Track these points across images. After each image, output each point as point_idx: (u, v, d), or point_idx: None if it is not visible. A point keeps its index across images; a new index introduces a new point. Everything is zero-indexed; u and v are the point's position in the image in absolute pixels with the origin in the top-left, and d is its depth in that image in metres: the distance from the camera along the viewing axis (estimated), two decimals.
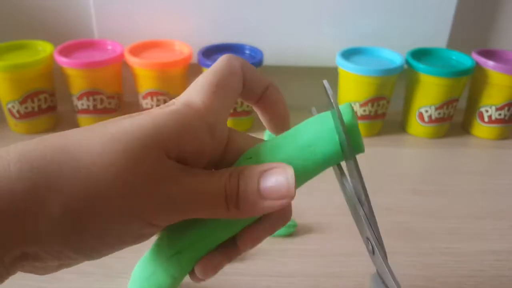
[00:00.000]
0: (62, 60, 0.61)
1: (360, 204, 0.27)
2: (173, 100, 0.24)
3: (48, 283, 0.40)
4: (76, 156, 0.20)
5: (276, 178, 0.22)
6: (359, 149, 0.26)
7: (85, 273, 0.42)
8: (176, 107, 0.23)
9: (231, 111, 0.28)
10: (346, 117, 0.25)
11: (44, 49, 0.64)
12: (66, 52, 0.64)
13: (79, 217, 0.20)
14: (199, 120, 0.23)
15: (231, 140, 0.26)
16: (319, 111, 0.28)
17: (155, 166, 0.21)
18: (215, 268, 0.27)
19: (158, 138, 0.21)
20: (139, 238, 0.23)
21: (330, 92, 0.26)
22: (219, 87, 0.24)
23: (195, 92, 0.24)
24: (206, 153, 0.24)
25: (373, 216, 0.27)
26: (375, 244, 0.27)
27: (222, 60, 0.26)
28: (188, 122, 0.22)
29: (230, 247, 0.27)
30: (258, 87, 0.27)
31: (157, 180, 0.21)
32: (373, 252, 0.28)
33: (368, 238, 0.28)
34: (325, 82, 0.26)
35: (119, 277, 0.41)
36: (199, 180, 0.22)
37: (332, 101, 0.25)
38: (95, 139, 0.21)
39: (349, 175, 0.27)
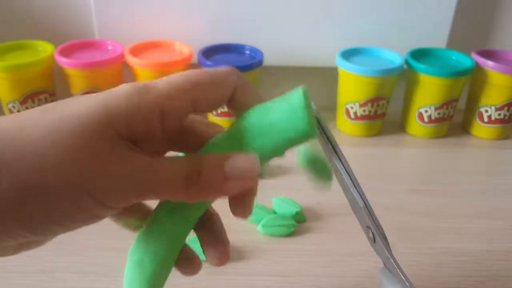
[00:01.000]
0: (62, 60, 0.61)
1: (360, 197, 0.28)
2: (143, 82, 0.24)
3: (48, 283, 0.40)
4: (26, 132, 0.21)
5: (240, 160, 0.23)
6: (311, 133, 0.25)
7: (85, 272, 0.42)
8: (135, 89, 0.23)
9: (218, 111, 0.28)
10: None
11: (45, 49, 0.64)
12: (67, 52, 0.64)
13: (27, 193, 0.20)
14: (153, 104, 0.23)
15: (198, 134, 0.27)
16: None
17: (105, 145, 0.21)
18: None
19: (108, 118, 0.22)
20: (92, 218, 0.22)
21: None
22: (196, 89, 0.24)
23: (172, 80, 0.24)
24: (155, 137, 0.24)
25: (360, 187, 0.27)
26: (375, 232, 0.27)
27: (224, 69, 0.26)
28: (139, 104, 0.22)
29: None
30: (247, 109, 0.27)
31: (107, 159, 0.21)
32: (374, 240, 0.28)
33: (368, 227, 0.28)
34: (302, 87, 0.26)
35: (119, 277, 0.41)
36: (155, 161, 0.23)
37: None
38: (47, 118, 0.21)
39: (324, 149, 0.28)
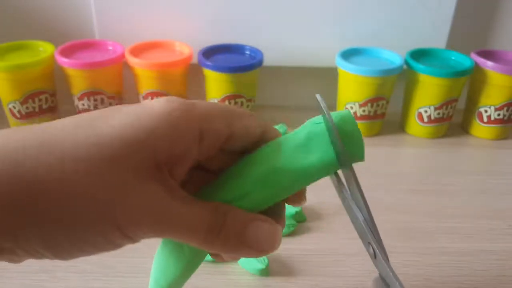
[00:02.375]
0: (63, 61, 0.61)
1: (361, 212, 0.27)
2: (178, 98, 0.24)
3: (48, 282, 0.41)
4: (57, 155, 0.20)
5: (263, 231, 0.23)
6: (358, 157, 0.26)
7: (85, 272, 0.42)
8: (177, 107, 0.22)
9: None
10: (345, 125, 0.25)
11: (45, 49, 0.64)
12: (67, 52, 0.64)
13: (52, 217, 0.20)
14: (193, 123, 0.23)
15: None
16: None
17: (141, 178, 0.21)
18: None
19: (152, 146, 0.21)
20: (115, 247, 0.22)
21: (323, 105, 0.26)
22: (234, 115, 0.25)
23: (210, 103, 0.24)
24: (191, 157, 0.23)
25: (373, 221, 0.27)
26: (377, 248, 0.27)
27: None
28: (182, 124, 0.22)
29: None
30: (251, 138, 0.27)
31: (141, 195, 0.21)
32: (375, 256, 0.28)
33: (369, 243, 0.28)
34: (318, 96, 0.26)
35: (119, 276, 0.42)
36: (182, 206, 0.22)
37: (326, 113, 0.25)
38: (80, 138, 0.20)
39: (347, 184, 0.27)
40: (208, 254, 0.28)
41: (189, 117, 0.22)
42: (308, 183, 0.26)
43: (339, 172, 0.28)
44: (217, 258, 0.28)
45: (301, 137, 0.26)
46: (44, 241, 0.20)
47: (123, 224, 0.21)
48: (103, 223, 0.20)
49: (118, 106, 0.23)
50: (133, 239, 0.22)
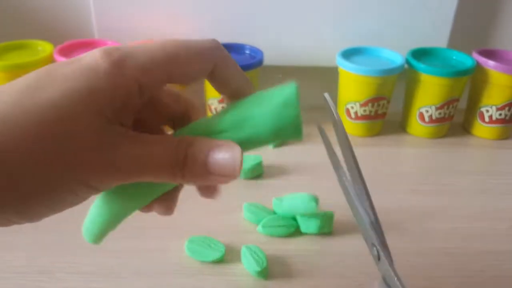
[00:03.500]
0: (62, 60, 0.61)
1: (366, 212, 0.27)
2: (115, 48, 0.23)
3: (47, 283, 0.40)
4: (9, 125, 0.20)
5: (224, 156, 0.23)
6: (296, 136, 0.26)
7: (84, 272, 0.42)
8: (111, 62, 0.22)
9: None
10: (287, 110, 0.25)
11: (44, 49, 0.64)
12: (66, 52, 0.64)
13: (24, 186, 0.20)
14: (131, 78, 0.23)
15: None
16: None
17: (97, 134, 0.21)
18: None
19: (95, 104, 0.21)
20: (83, 199, 0.23)
21: (331, 104, 0.25)
22: (173, 62, 0.24)
23: (148, 50, 0.24)
24: (132, 110, 0.24)
25: (379, 223, 0.27)
26: (381, 250, 0.27)
27: (205, 42, 0.26)
28: (120, 81, 0.22)
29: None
30: (229, 86, 0.27)
31: (97, 147, 0.21)
32: (379, 258, 0.27)
33: (373, 244, 0.27)
34: (326, 95, 0.26)
35: (119, 276, 0.42)
36: (145, 147, 0.23)
37: (334, 113, 0.25)
38: (27, 103, 0.21)
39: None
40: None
41: (125, 73, 0.22)
42: (267, 136, 0.25)
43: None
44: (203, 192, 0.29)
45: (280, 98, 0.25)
46: (17, 211, 0.21)
47: (88, 179, 0.22)
48: (69, 182, 0.21)
49: (53, 70, 0.23)
50: (99, 189, 0.23)
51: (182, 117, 0.29)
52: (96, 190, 0.23)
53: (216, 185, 0.28)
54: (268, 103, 0.25)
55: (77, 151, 0.21)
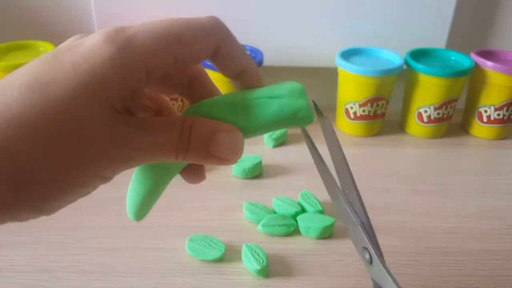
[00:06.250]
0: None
1: (357, 215, 0.27)
2: (119, 29, 0.23)
3: (47, 282, 0.41)
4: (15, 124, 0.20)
5: (225, 141, 0.23)
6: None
7: (85, 271, 0.42)
8: (117, 47, 0.22)
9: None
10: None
11: (45, 49, 0.64)
12: None
13: (36, 182, 0.21)
14: (139, 63, 0.22)
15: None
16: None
17: (106, 127, 0.21)
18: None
19: (103, 96, 0.21)
20: (93, 189, 0.23)
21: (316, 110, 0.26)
22: (180, 43, 0.23)
23: (153, 30, 0.23)
24: (141, 94, 0.24)
25: (370, 225, 0.26)
26: (374, 253, 0.26)
27: (207, 21, 0.25)
28: (127, 68, 0.22)
29: None
30: (233, 65, 0.26)
31: (110, 141, 0.22)
32: (371, 262, 0.26)
33: (365, 248, 0.26)
34: (313, 101, 0.27)
35: (119, 276, 0.42)
36: (153, 135, 0.23)
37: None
38: (36, 99, 0.21)
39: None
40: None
41: (132, 58, 0.22)
42: (275, 122, 0.26)
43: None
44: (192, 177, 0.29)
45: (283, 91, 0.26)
46: (35, 207, 0.22)
47: (102, 171, 0.22)
48: (85, 177, 0.22)
49: (59, 57, 0.22)
50: (111, 178, 0.23)
51: (188, 86, 0.29)
52: (109, 180, 0.23)
53: (203, 171, 0.28)
54: (276, 89, 0.26)
55: (91, 147, 0.21)
